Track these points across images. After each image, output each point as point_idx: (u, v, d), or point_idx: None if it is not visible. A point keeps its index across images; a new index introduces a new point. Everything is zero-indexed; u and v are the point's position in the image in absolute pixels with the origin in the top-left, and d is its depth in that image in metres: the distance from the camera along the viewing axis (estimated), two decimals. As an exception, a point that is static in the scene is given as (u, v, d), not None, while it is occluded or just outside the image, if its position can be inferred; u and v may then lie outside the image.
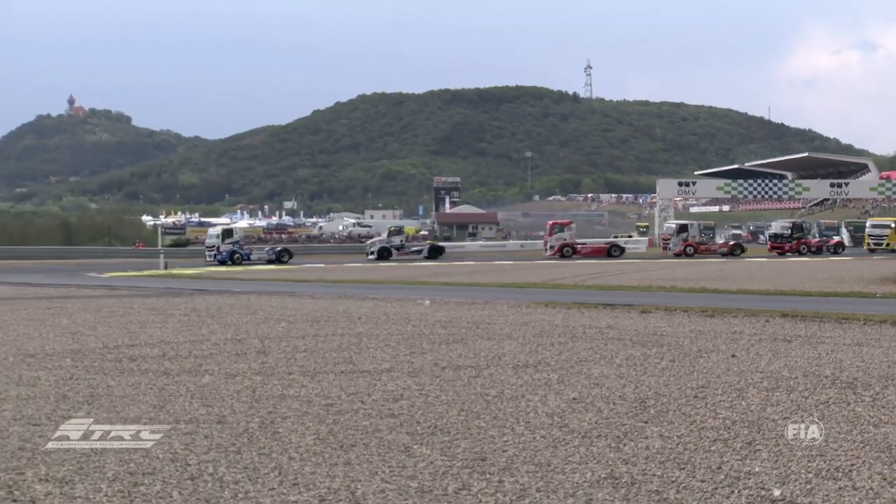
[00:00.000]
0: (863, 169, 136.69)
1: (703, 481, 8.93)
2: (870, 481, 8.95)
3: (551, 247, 79.70)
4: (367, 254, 79.15)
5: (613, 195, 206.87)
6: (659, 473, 9.21)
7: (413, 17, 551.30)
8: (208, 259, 73.78)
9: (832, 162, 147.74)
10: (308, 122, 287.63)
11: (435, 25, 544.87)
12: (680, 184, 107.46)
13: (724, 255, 78.19)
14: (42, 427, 11.63)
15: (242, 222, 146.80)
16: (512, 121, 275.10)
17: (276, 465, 9.68)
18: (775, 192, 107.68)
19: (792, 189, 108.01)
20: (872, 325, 22.37)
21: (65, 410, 12.64)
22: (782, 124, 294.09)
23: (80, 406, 12.97)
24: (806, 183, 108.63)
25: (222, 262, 70.81)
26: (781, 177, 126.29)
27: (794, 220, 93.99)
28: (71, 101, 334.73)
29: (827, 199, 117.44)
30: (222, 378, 15.33)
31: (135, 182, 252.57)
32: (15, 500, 8.56)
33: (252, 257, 72.64)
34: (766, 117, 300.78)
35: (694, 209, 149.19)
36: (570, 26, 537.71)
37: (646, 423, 11.59)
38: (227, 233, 79.10)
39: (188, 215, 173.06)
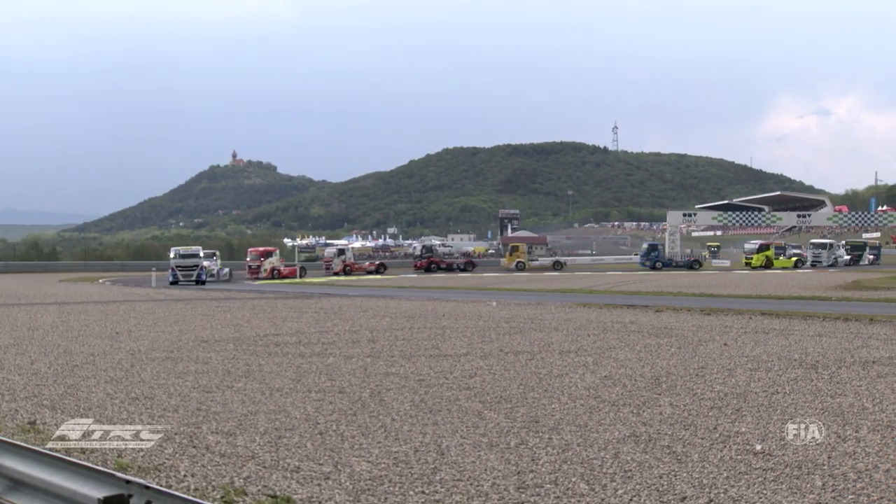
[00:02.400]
0: (821, 204, 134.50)
1: (702, 438, 8.82)
2: (828, 439, 8.80)
3: (264, 269, 67.54)
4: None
5: (634, 223, 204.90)
6: (669, 433, 9.11)
7: (483, 90, 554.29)
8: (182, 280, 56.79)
9: (798, 199, 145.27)
10: (406, 169, 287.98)
11: (500, 96, 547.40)
12: (684, 215, 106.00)
13: (369, 272, 73.55)
14: (212, 394, 11.78)
15: (357, 243, 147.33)
16: (557, 167, 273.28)
17: (382, 424, 9.72)
18: (756, 222, 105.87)
19: (768, 219, 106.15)
20: (829, 321, 22.02)
21: (230, 382, 12.80)
22: (761, 170, 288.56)
23: (239, 378, 13.12)
24: (778, 214, 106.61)
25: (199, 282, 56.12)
26: (760, 210, 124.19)
27: (425, 244, 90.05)
28: (234, 155, 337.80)
29: (794, 227, 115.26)
30: (342, 359, 15.42)
31: (278, 214, 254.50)
32: (194, 447, 8.68)
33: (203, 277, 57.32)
34: (749, 165, 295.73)
35: (695, 234, 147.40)
36: (602, 96, 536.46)
37: (659, 395, 11.48)
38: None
39: (317, 238, 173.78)
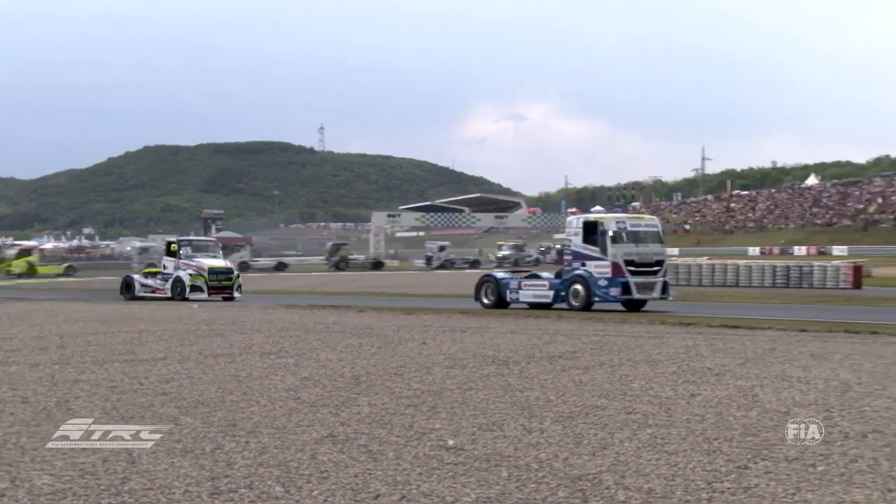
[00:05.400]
0: (517, 206, 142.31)
1: (398, 436, 9.03)
2: (515, 431, 9.24)
3: None
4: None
5: (340, 223, 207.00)
6: (367, 432, 9.25)
7: (189, 86, 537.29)
8: None
9: (496, 200, 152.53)
10: (103, 167, 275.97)
11: (205, 93, 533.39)
12: (388, 216, 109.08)
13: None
14: None
15: (48, 244, 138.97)
16: (263, 167, 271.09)
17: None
18: (456, 222, 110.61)
19: (468, 220, 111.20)
20: (521, 318, 23.35)
21: None
22: (462, 172, 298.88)
23: None
24: (478, 215, 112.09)
25: None
26: (461, 211, 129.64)
27: None
28: None
29: (493, 228, 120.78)
30: (27, 367, 14.48)
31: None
32: None
33: None
34: (451, 167, 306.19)
35: (399, 234, 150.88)
36: (309, 97, 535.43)
37: (358, 394, 11.64)
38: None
39: (3, 239, 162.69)
